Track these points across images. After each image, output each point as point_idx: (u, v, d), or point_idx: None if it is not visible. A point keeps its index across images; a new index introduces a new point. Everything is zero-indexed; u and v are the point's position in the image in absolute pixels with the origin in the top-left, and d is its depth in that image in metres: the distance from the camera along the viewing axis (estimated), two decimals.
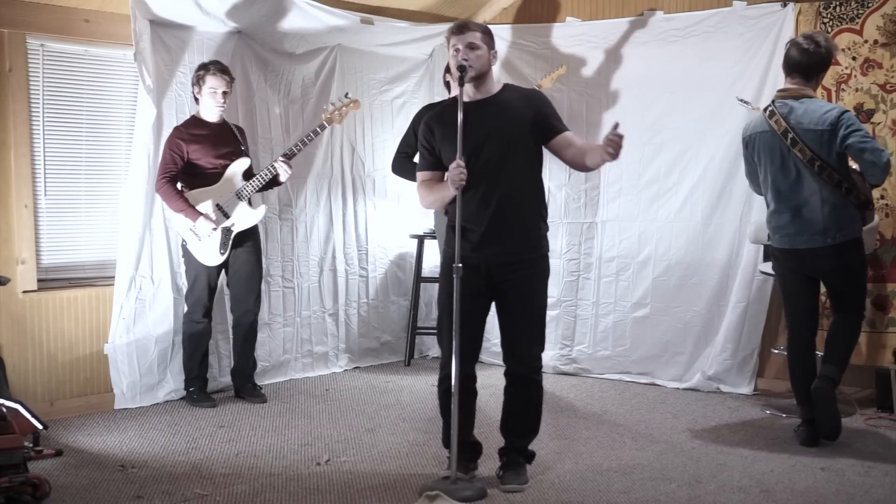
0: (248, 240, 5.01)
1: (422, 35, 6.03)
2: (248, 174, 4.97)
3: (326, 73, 5.78)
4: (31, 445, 3.95)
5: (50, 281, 4.82)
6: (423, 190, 3.75)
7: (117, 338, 4.92)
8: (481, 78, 3.59)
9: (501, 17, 6.22)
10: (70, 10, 4.69)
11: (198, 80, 4.89)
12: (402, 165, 5.14)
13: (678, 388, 5.42)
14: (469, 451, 3.74)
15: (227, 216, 4.91)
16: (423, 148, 3.76)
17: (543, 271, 3.70)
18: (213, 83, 4.85)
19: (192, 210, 4.83)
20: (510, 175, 3.57)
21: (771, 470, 3.90)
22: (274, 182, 5.01)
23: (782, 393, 5.17)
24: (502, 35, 6.01)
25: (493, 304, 3.74)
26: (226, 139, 4.97)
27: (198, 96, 4.92)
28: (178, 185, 4.89)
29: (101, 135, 5.00)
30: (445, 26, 6.26)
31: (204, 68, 4.87)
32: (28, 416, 3.83)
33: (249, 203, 4.99)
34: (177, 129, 4.92)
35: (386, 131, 6.09)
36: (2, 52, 4.53)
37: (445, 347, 3.69)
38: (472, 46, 3.56)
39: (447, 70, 4.91)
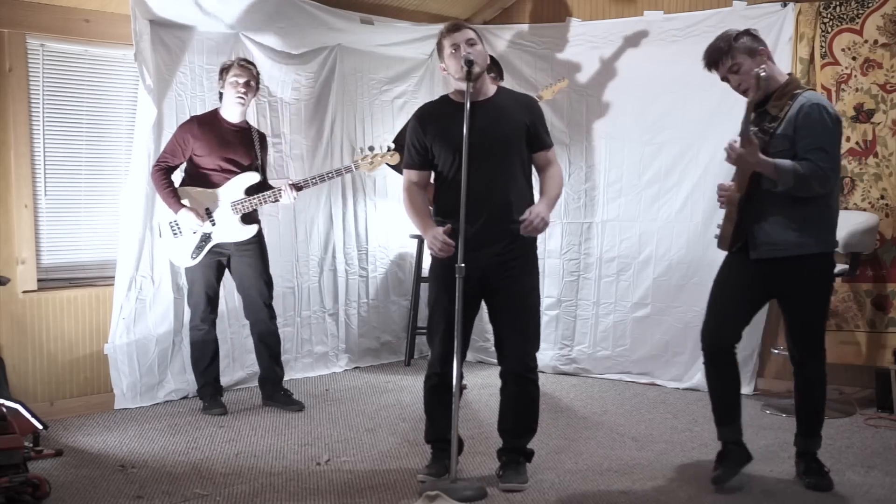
0: (249, 248, 4.86)
1: (422, 35, 6.03)
2: (252, 189, 4.82)
3: (326, 73, 5.78)
4: (31, 445, 3.95)
5: (50, 281, 4.82)
6: (410, 199, 3.71)
7: (117, 338, 4.92)
8: (481, 76, 3.59)
9: (501, 18, 6.22)
10: (70, 10, 4.69)
11: (221, 73, 4.80)
12: None
13: (678, 388, 5.42)
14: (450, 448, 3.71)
15: (213, 223, 4.77)
16: (411, 146, 3.71)
17: (534, 268, 3.70)
18: (235, 72, 4.74)
19: (175, 202, 4.70)
20: (502, 177, 3.58)
21: (771, 470, 3.90)
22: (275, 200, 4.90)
23: (782, 393, 5.17)
24: (502, 35, 6.02)
25: (486, 305, 3.76)
26: (239, 144, 4.83)
27: (221, 91, 4.82)
28: (174, 180, 4.81)
29: (101, 135, 5.00)
30: None
31: (229, 62, 4.83)
32: (28, 416, 3.84)
33: (242, 219, 4.81)
34: (192, 120, 4.82)
35: (386, 131, 6.09)
36: (2, 52, 4.54)
37: (436, 348, 3.73)
38: (471, 42, 3.57)
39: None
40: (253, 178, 4.83)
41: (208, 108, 5.16)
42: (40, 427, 3.93)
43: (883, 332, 4.92)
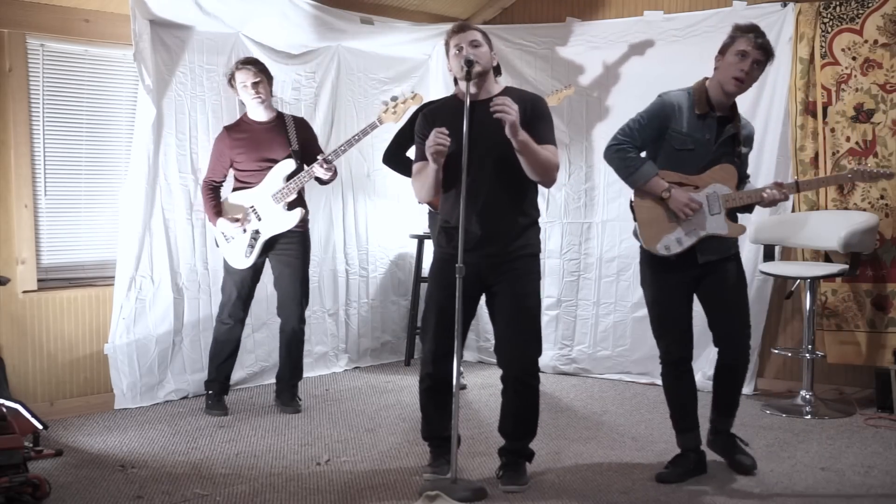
0: (292, 245, 4.87)
1: (422, 35, 6.03)
2: (291, 177, 4.82)
3: (326, 73, 5.78)
4: (31, 445, 3.95)
5: (50, 281, 4.82)
6: (415, 180, 3.76)
7: (117, 338, 4.92)
8: (483, 76, 3.60)
9: (501, 18, 6.22)
10: (70, 10, 4.69)
11: (230, 82, 4.84)
12: (394, 157, 5.16)
13: None
14: (449, 445, 3.71)
15: (259, 219, 4.81)
16: (418, 139, 3.74)
17: (535, 271, 3.69)
18: (241, 78, 4.75)
19: (212, 215, 4.84)
20: (503, 175, 3.58)
21: (771, 470, 3.90)
22: (319, 181, 4.90)
23: (782, 393, 5.17)
24: (502, 35, 6.01)
25: (487, 306, 3.76)
26: (272, 140, 4.83)
27: (240, 99, 4.91)
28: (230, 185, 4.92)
29: (101, 135, 5.00)
30: (445, 26, 6.28)
31: (230, 69, 4.85)
32: (28, 416, 3.84)
33: (287, 207, 4.83)
34: (224, 131, 4.89)
35: (386, 131, 6.07)
36: (2, 52, 4.54)
37: (428, 346, 3.72)
38: (474, 44, 3.58)
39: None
40: (289, 166, 4.81)
41: (208, 108, 5.20)
42: (40, 427, 3.93)
43: (883, 332, 4.92)
